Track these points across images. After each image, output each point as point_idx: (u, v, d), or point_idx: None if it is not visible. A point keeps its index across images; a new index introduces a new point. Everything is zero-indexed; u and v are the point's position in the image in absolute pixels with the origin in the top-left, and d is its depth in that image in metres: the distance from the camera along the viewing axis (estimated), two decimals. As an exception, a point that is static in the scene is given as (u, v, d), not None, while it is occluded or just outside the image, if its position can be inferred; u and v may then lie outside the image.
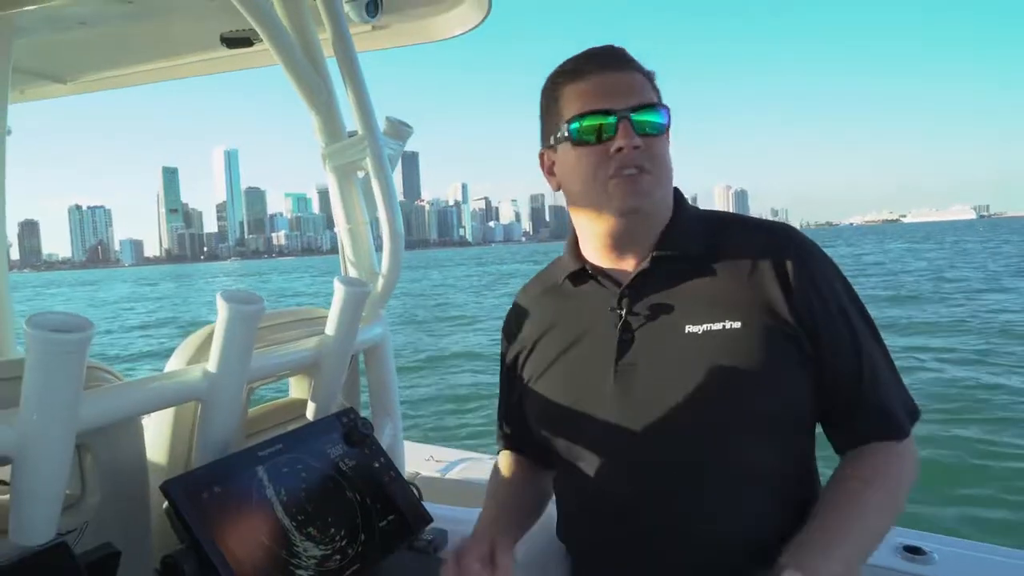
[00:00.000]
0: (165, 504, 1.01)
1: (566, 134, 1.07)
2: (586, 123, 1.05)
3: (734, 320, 1.02)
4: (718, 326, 1.02)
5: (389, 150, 1.77)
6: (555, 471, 1.28)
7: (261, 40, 1.64)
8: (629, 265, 1.12)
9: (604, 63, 1.07)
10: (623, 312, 1.09)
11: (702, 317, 1.04)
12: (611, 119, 1.03)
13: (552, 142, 1.13)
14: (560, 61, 1.12)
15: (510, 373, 1.28)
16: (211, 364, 1.18)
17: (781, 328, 1.01)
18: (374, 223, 1.83)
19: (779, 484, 1.05)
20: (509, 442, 1.36)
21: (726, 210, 1.28)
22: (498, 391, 1.38)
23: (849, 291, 1.08)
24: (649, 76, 1.09)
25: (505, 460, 1.36)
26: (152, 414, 1.29)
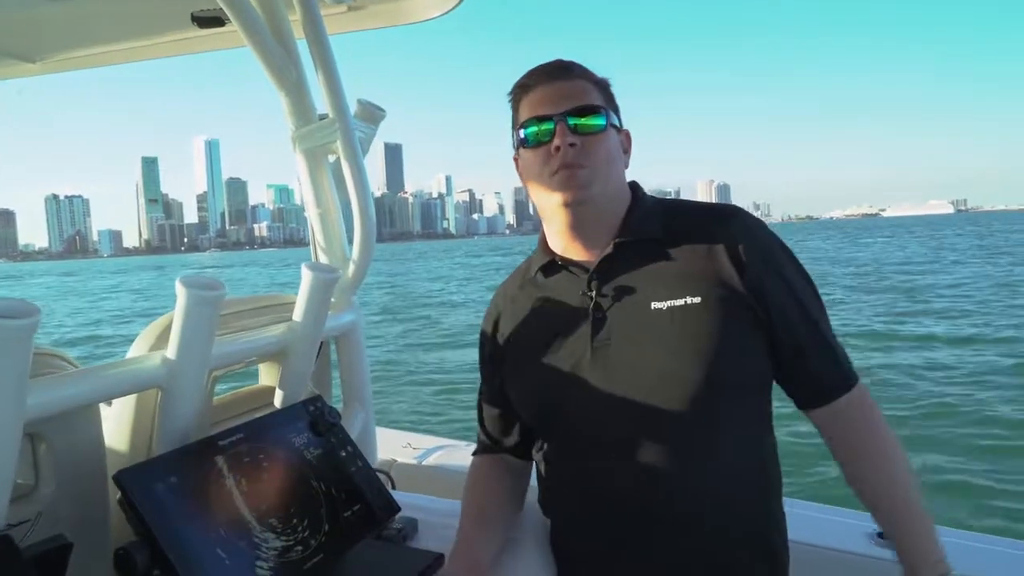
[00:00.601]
0: (118, 495, 0.98)
1: (521, 138, 1.20)
2: (530, 128, 1.18)
3: (694, 296, 1.12)
4: (680, 302, 1.12)
5: (360, 133, 1.73)
6: (532, 460, 1.35)
7: (233, 20, 1.60)
8: (594, 253, 1.21)
9: (550, 75, 1.19)
10: (593, 294, 1.18)
11: (665, 294, 1.13)
12: (550, 123, 1.15)
13: (514, 148, 1.25)
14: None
15: (492, 363, 1.34)
16: (170, 351, 1.15)
17: (736, 299, 1.12)
18: (347, 209, 1.80)
19: (744, 447, 1.16)
20: (488, 437, 1.39)
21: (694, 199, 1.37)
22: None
23: (793, 262, 1.19)
24: (599, 83, 1.21)
25: (482, 466, 1.38)
26: (114, 403, 1.27)
